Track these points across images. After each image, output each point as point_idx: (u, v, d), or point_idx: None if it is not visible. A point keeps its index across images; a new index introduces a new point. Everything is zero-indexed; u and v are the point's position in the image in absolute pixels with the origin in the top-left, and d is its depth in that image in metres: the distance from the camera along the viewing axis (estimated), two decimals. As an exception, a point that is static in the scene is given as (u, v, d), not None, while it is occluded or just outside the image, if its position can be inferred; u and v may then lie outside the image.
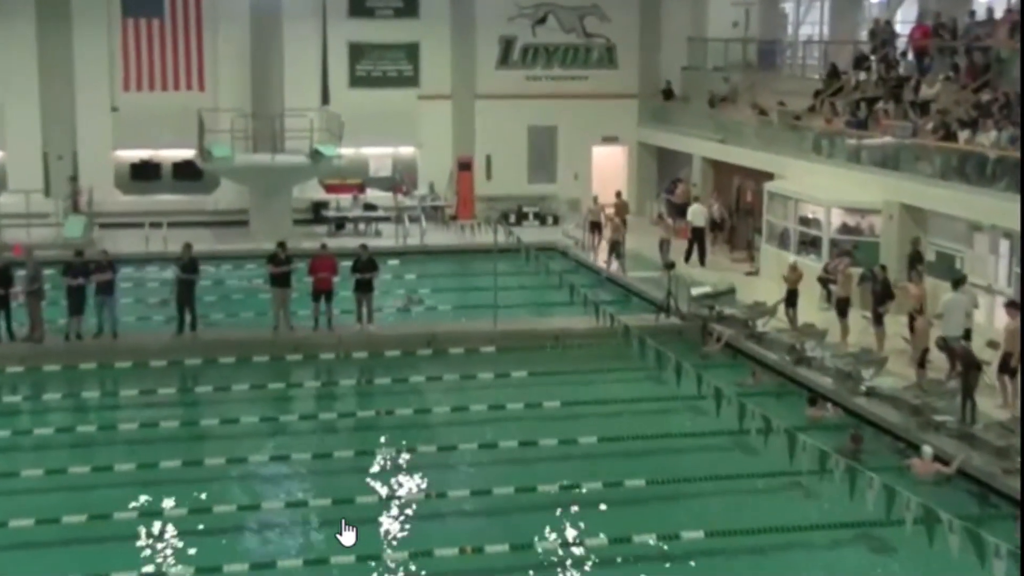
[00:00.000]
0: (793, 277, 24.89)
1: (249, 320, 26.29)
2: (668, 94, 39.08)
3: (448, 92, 38.66)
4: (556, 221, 37.43)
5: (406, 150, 38.89)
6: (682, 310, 25.84)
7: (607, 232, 31.80)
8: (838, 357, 21.97)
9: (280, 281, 24.49)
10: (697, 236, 31.51)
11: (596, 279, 30.14)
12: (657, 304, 26.41)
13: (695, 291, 26.22)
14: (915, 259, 24.33)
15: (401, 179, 37.91)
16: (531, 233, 33.83)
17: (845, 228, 27.39)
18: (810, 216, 28.40)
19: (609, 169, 39.41)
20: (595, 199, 34.16)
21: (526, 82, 39.18)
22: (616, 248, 30.54)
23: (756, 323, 24.73)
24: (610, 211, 33.40)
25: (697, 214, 31.97)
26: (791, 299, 24.74)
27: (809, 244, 28.31)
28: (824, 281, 26.18)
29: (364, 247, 25.38)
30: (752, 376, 22.30)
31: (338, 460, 18.48)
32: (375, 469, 18.13)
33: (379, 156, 38.60)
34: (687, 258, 31.02)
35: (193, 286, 24.35)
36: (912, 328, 22.14)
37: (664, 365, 19.70)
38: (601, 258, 31.45)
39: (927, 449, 17.90)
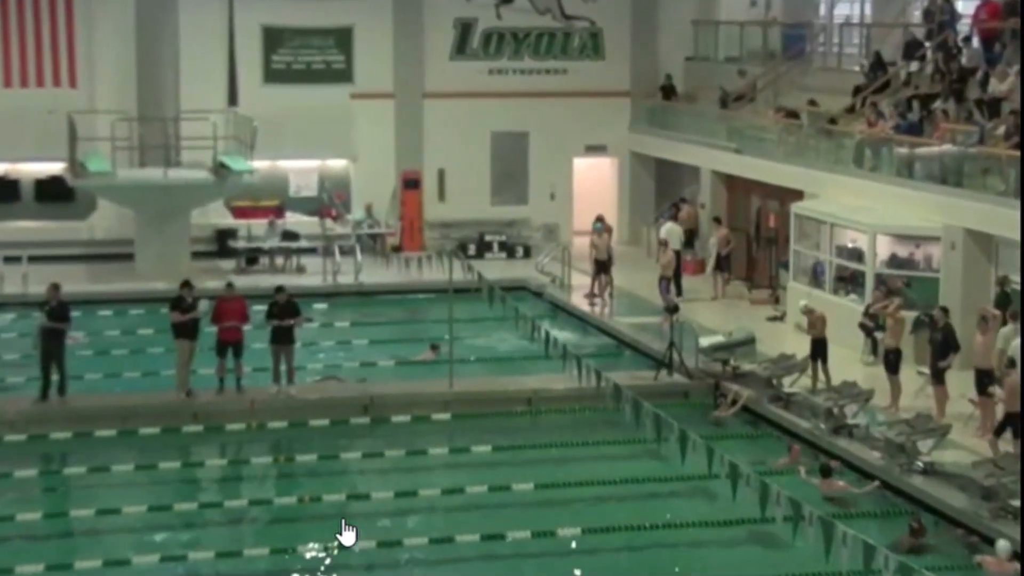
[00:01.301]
0: (815, 324, 24.77)
1: (135, 381, 26.08)
2: (669, 92, 39.22)
3: (390, 89, 38.66)
4: (528, 253, 37.43)
5: (336, 163, 38.83)
6: (688, 366, 25.81)
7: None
8: (888, 425, 21.95)
9: (187, 331, 24.42)
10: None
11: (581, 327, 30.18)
12: (657, 358, 26.38)
13: (705, 341, 26.20)
14: (1002, 302, 24.32)
15: (330, 200, 37.81)
16: (496, 268, 33.76)
17: (895, 260, 27.47)
18: (850, 245, 28.47)
19: (595, 186, 39.45)
20: (595, 231, 32.81)
21: (488, 77, 39.26)
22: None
23: (782, 381, 24.71)
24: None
25: (673, 234, 32.49)
26: (818, 351, 24.76)
27: (849, 281, 28.35)
28: (867, 328, 26.22)
29: (282, 288, 25.28)
30: (789, 453, 22.18)
31: (250, 560, 18.28)
32: (298, 571, 17.91)
33: (302, 171, 38.56)
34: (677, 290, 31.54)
35: (62, 338, 24.15)
36: (981, 388, 22.18)
37: (666, 436, 19.62)
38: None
39: (1003, 544, 17.85)
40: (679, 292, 31.53)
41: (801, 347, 25.54)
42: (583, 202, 38.77)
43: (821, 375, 24.65)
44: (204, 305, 24.85)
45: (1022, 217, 20.84)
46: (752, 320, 29.39)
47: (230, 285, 25.88)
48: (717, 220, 33.70)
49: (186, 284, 24.78)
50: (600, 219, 33.72)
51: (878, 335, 25.64)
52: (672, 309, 26.57)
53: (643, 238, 38.32)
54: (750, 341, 26.32)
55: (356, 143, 38.48)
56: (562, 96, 39.22)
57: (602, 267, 31.92)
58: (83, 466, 21.87)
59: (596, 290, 31.99)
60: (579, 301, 32.19)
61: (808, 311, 25.24)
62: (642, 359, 27.46)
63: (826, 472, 20.73)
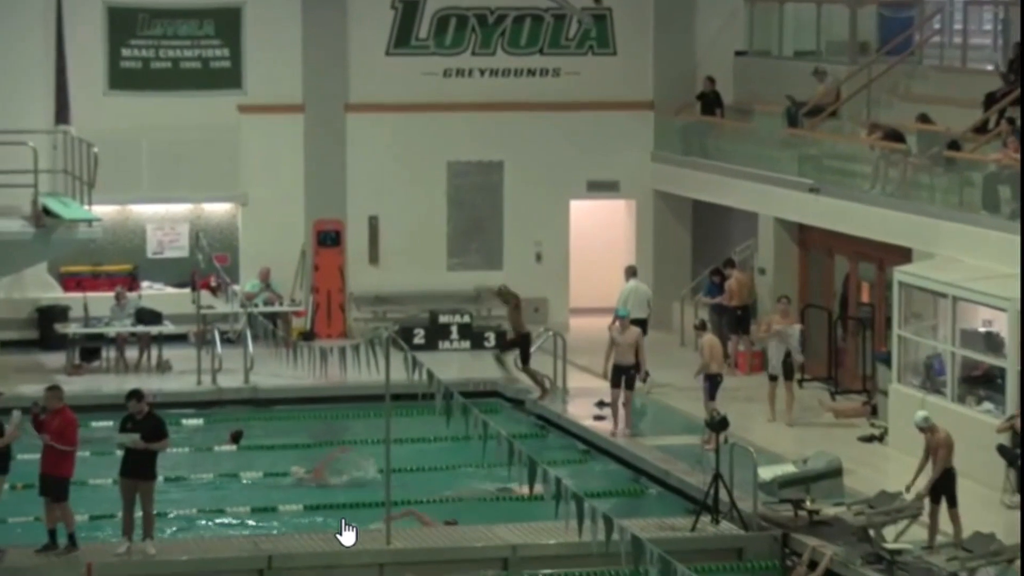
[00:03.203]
0: (939, 450, 24.57)
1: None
2: (711, 102, 39.31)
3: (298, 100, 38.91)
4: (502, 343, 37.37)
5: (218, 208, 39.05)
6: (743, 509, 25.66)
7: None
8: (1044, 598, 21.86)
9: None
10: None
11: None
12: (696, 498, 26.29)
13: (767, 473, 26.07)
14: None
15: (208, 264, 37.65)
16: (455, 364, 33.78)
17: (1049, 351, 27.50)
18: (982, 330, 28.57)
19: (602, 242, 39.71)
20: (618, 318, 31.83)
21: (444, 81, 39.53)
22: None
23: (883, 533, 24.54)
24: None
25: (637, 297, 33.40)
26: (941, 487, 24.56)
27: (981, 382, 28.32)
28: (1010, 453, 26.09)
29: (138, 395, 25.03)
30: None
31: None
32: None
33: (166, 220, 38.75)
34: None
35: None
36: None
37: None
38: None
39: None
40: (637, 374, 32.04)
41: (910, 480, 25.41)
42: (585, 266, 38.92)
43: (944, 523, 24.46)
44: (16, 417, 24.50)
45: (1022, 248, 20.95)
46: (838, 441, 29.40)
47: (54, 389, 25.60)
48: (785, 299, 33.06)
49: (-9, 393, 24.52)
50: (502, 291, 33.94)
51: (1026, 463, 25.63)
52: (719, 425, 26.47)
53: (673, 319, 38.35)
54: (835, 473, 26.27)
55: (247, 179, 38.59)
56: (553, 109, 39.56)
57: (624, 375, 31.23)
58: None
59: (615, 410, 31.54)
60: (579, 412, 32.28)
61: (929, 427, 24.92)
62: (674, 499, 27.52)
63: None
